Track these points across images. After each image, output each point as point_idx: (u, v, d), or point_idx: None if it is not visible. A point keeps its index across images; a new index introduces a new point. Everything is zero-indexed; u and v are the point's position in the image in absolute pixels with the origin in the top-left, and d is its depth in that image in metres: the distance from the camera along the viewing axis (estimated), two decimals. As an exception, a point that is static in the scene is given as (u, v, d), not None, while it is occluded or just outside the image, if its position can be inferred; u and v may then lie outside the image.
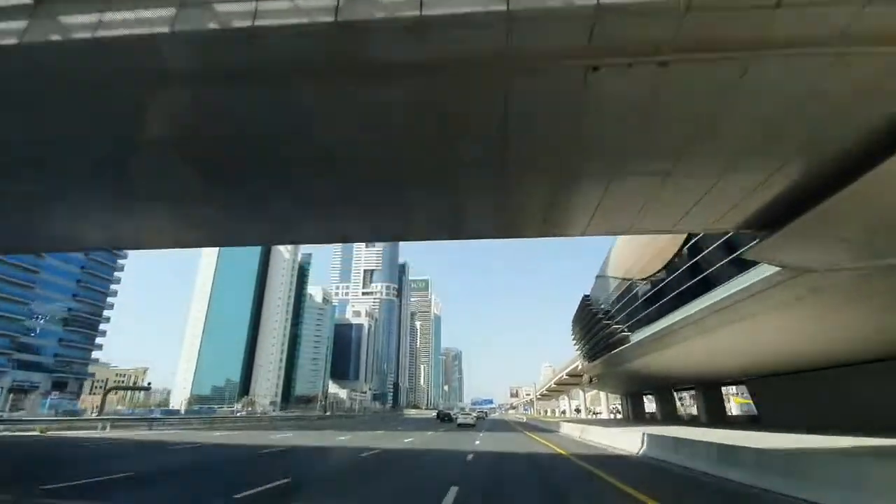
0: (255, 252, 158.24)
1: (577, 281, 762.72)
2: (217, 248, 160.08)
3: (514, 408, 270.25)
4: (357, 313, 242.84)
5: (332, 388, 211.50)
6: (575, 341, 65.10)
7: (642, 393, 68.55)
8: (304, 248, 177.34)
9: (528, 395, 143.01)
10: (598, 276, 46.25)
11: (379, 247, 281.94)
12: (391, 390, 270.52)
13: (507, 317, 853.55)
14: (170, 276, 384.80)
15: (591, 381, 64.39)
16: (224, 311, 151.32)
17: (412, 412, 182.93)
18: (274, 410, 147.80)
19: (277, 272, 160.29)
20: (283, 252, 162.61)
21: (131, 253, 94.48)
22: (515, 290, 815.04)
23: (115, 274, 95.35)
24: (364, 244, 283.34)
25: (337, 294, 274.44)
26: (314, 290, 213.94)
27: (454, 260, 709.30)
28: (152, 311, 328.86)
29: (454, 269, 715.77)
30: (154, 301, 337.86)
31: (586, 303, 49.07)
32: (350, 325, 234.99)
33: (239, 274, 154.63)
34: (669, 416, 55.83)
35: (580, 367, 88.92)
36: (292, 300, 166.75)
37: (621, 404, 71.03)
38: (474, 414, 65.78)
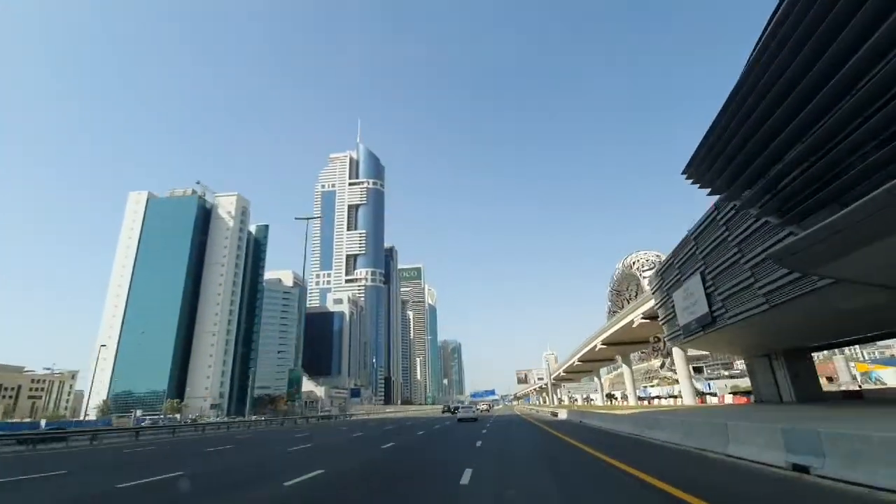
0: (187, 218, 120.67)
1: (577, 268, 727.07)
2: (141, 216, 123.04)
3: (518, 398, 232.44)
4: (338, 301, 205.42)
5: (307, 385, 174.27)
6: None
7: (811, 348, 31.99)
8: (259, 218, 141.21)
9: (540, 378, 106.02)
10: None
11: (363, 229, 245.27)
12: (382, 385, 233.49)
13: (506, 309, 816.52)
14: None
15: (690, 331, 28.18)
16: (150, 293, 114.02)
17: (364, 413, 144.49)
18: (218, 415, 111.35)
19: (218, 244, 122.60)
20: (226, 219, 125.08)
21: None
22: (514, 281, 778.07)
23: None
24: (345, 227, 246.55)
25: (318, 283, 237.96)
26: (283, 274, 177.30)
27: (449, 250, 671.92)
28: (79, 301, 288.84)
29: (449, 262, 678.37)
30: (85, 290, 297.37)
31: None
32: (329, 314, 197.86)
33: (169, 247, 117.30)
34: None
35: (636, 322, 52.45)
36: (242, 281, 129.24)
37: (764, 373, 33.57)
38: (480, 406, 55.32)
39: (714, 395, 48.42)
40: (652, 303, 42.65)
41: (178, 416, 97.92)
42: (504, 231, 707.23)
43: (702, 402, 46.03)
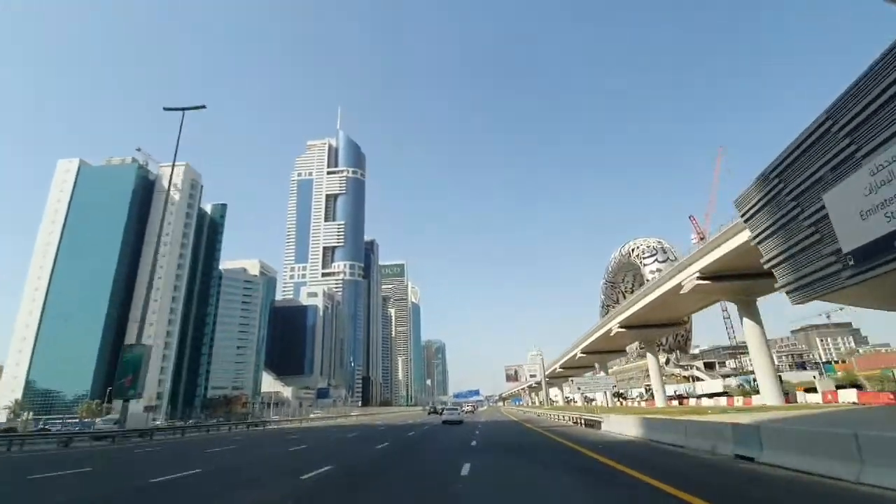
0: (124, 191, 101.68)
1: (565, 270, 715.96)
2: (70, 188, 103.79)
3: (503, 399, 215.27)
4: (312, 294, 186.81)
5: (274, 385, 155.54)
6: None
7: None
8: (214, 194, 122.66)
9: (532, 375, 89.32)
10: None
11: (341, 220, 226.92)
12: (360, 385, 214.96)
13: (491, 310, 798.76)
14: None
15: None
16: (76, 277, 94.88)
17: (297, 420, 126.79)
18: (154, 419, 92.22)
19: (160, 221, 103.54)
20: (171, 192, 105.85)
21: None
22: (499, 282, 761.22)
23: None
24: (322, 217, 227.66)
25: (292, 276, 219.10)
26: (249, 263, 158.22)
27: (434, 251, 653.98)
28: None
29: (434, 262, 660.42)
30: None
31: None
32: (301, 309, 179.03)
33: (101, 223, 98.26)
34: None
35: (686, 286, 35.56)
36: (193, 265, 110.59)
37: None
38: (465, 408, 44.62)
39: (813, 390, 32.31)
40: (726, 248, 26.51)
41: (97, 420, 79.67)
42: (490, 232, 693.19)
43: (790, 403, 30.10)
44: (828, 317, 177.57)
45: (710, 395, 52.11)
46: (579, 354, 66.96)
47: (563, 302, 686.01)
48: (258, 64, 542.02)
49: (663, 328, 49.51)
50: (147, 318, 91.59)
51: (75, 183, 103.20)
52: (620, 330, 48.87)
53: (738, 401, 36.35)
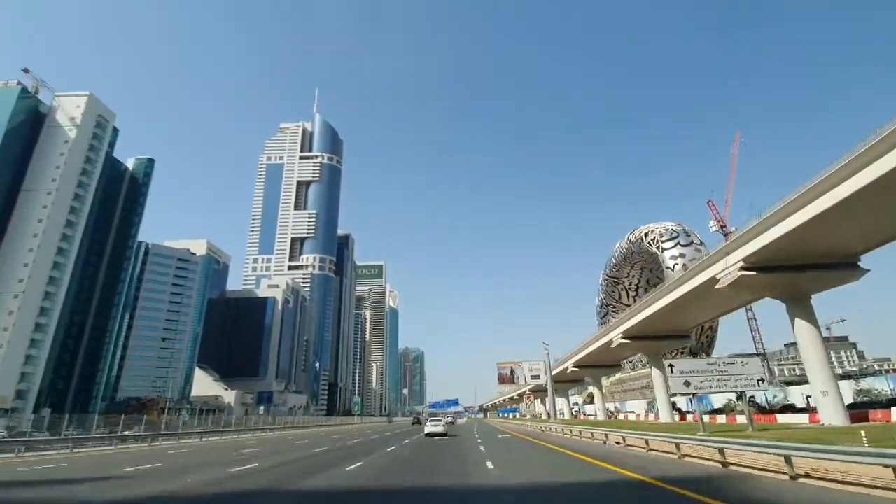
0: (-2, 120, 73.86)
1: (548, 284, 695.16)
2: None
3: (484, 410, 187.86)
4: (274, 286, 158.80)
5: (213, 387, 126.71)
6: None
7: None
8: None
9: (534, 376, 63.23)
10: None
11: (313, 210, 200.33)
12: (324, 391, 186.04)
13: (472, 319, 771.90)
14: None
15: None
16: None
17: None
18: (7, 427, 63.02)
19: (48, 164, 75.51)
20: (67, 129, 78.35)
21: None
22: (483, 291, 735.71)
23: None
24: (292, 206, 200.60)
25: (255, 269, 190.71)
26: (196, 244, 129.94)
27: (413, 258, 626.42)
28: None
29: (414, 271, 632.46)
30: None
31: None
32: (258, 301, 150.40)
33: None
34: None
35: None
36: (94, 227, 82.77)
37: None
38: (446, 419, 39.36)
39: None
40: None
41: None
42: (472, 242, 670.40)
43: None
44: (828, 329, 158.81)
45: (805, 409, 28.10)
46: (620, 340, 41.78)
47: (546, 312, 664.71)
48: (229, 41, 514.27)
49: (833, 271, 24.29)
50: (13, 288, 62.97)
51: (-67, 109, 75.03)
52: (748, 273, 24.06)
53: None
